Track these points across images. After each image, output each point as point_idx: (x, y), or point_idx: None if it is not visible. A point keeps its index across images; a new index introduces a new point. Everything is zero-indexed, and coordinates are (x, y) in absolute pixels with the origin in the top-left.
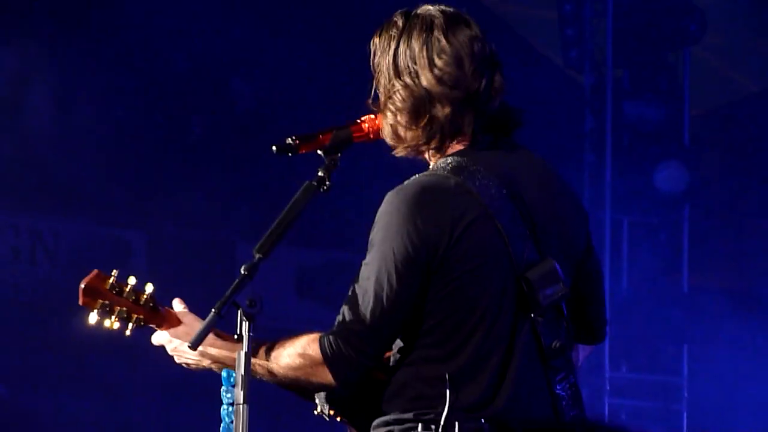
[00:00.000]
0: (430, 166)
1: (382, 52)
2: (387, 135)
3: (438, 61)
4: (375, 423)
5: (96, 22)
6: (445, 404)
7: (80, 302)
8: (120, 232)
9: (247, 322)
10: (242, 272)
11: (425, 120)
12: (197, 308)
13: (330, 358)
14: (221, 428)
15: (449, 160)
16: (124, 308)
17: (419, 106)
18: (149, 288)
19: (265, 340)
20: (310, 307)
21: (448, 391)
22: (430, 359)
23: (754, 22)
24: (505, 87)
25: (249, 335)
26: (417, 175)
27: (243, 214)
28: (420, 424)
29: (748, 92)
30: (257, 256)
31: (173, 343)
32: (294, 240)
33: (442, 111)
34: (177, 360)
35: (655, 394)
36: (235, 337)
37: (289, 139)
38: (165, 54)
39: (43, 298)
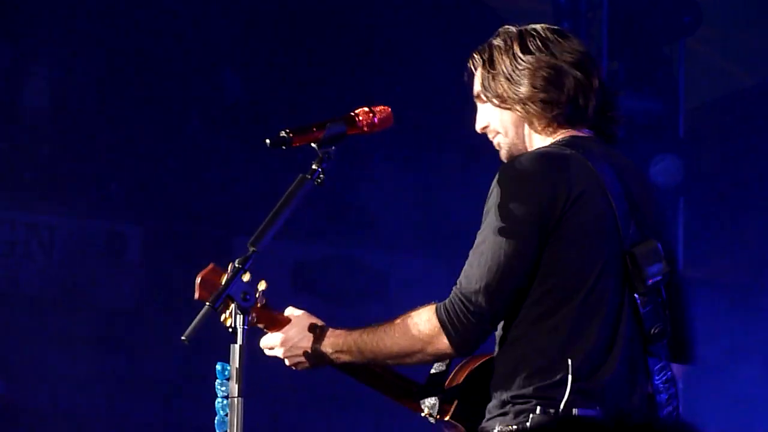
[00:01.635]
0: (542, 145)
1: (495, 55)
2: (513, 123)
3: (574, 41)
4: (491, 405)
5: (91, 15)
6: (562, 380)
7: (196, 296)
8: (115, 225)
9: (241, 316)
10: (236, 265)
11: (569, 82)
12: (192, 302)
13: (447, 323)
14: (216, 421)
15: (562, 139)
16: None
17: (559, 69)
18: (262, 285)
19: (363, 327)
20: (307, 301)
21: (570, 377)
22: (543, 330)
23: (750, 14)
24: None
25: (243, 328)
26: (531, 149)
27: (239, 208)
28: (538, 406)
29: (743, 85)
30: (251, 249)
31: (288, 343)
32: (291, 234)
33: (584, 79)
34: (289, 362)
35: None
36: (230, 331)
37: (283, 132)
38: (161, 47)
39: (38, 291)
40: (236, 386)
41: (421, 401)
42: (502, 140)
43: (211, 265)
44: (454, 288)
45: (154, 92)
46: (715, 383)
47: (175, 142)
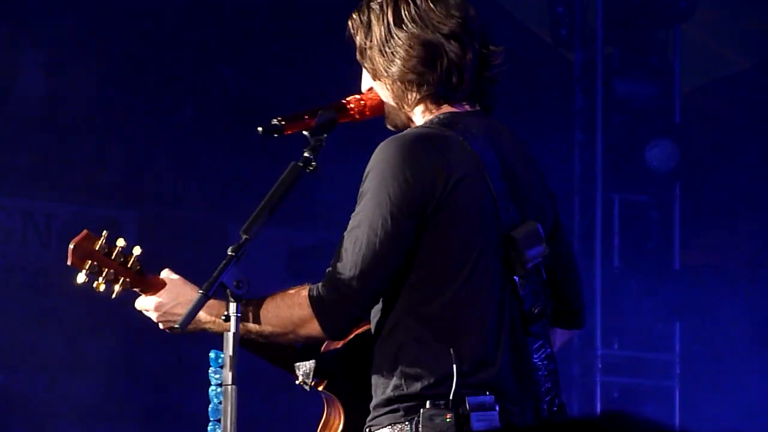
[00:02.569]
0: (422, 122)
1: (373, 21)
2: (388, 98)
3: (451, 4)
4: (375, 402)
5: (83, 4)
6: (448, 374)
7: (69, 262)
8: (111, 212)
9: (234, 303)
10: (229, 253)
11: (442, 65)
12: None
13: (318, 307)
14: (209, 409)
15: (441, 116)
16: (112, 270)
17: (433, 50)
18: (137, 251)
19: (256, 299)
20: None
21: (455, 369)
22: (421, 318)
23: None
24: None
25: (236, 316)
26: (410, 128)
27: (234, 195)
28: (428, 401)
29: (739, 69)
30: (244, 237)
31: (162, 308)
32: (286, 221)
33: (458, 52)
34: (163, 326)
35: (647, 372)
36: (222, 318)
37: (275, 120)
38: (157, 36)
39: (34, 278)
40: (230, 374)
41: (296, 365)
42: (385, 108)
43: (84, 231)
44: (327, 271)
45: (148, 79)
46: (712, 365)
47: (169, 128)
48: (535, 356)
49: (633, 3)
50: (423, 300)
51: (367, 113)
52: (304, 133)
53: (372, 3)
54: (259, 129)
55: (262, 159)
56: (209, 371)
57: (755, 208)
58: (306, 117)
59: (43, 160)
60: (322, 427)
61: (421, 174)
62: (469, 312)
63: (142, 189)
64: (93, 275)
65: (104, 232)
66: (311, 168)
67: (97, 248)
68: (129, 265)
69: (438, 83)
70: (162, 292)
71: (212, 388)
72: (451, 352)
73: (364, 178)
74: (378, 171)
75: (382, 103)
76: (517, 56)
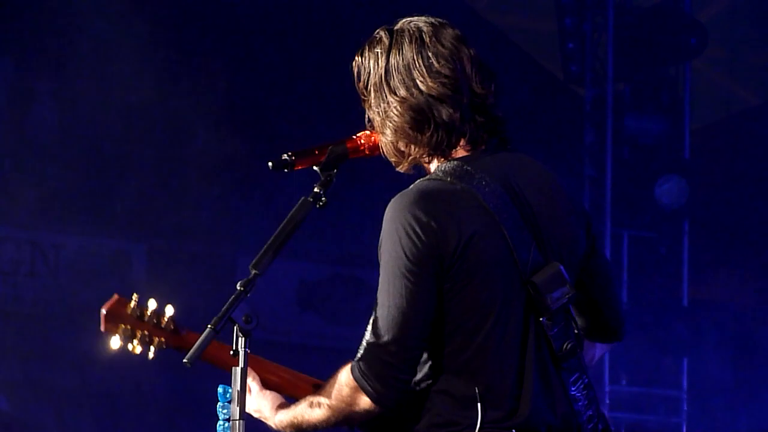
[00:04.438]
0: (432, 170)
1: (370, 71)
2: (388, 153)
3: (436, 65)
4: None
5: (94, 36)
6: (474, 421)
7: (102, 328)
8: (120, 244)
9: (243, 338)
10: (238, 288)
11: (430, 128)
12: (196, 322)
13: (364, 381)
14: None
15: (452, 164)
16: (146, 332)
17: (421, 115)
18: (170, 310)
19: (304, 398)
20: (312, 320)
21: (479, 406)
22: (448, 371)
23: (755, 35)
24: (501, 92)
25: (245, 351)
26: (419, 180)
27: (244, 228)
28: None
29: (749, 106)
30: (253, 272)
31: (260, 413)
32: (296, 254)
33: (446, 115)
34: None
35: (654, 408)
36: (231, 353)
37: (285, 155)
38: (167, 67)
39: (43, 310)
40: (237, 409)
41: None
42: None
43: (115, 296)
44: (364, 342)
45: (159, 112)
46: (719, 402)
47: (179, 160)
48: (572, 389)
49: (644, 40)
50: (449, 353)
51: (378, 149)
52: (314, 168)
53: (370, 51)
54: (270, 164)
55: (273, 192)
56: (217, 406)
57: (764, 245)
58: (316, 152)
59: (54, 193)
60: None
61: (432, 231)
62: (495, 361)
63: (152, 221)
64: (127, 338)
65: (134, 295)
66: (321, 203)
67: (129, 312)
68: (163, 325)
69: (428, 144)
70: (261, 397)
71: (220, 423)
72: (479, 401)
73: (381, 240)
74: (388, 231)
75: None
76: (528, 92)
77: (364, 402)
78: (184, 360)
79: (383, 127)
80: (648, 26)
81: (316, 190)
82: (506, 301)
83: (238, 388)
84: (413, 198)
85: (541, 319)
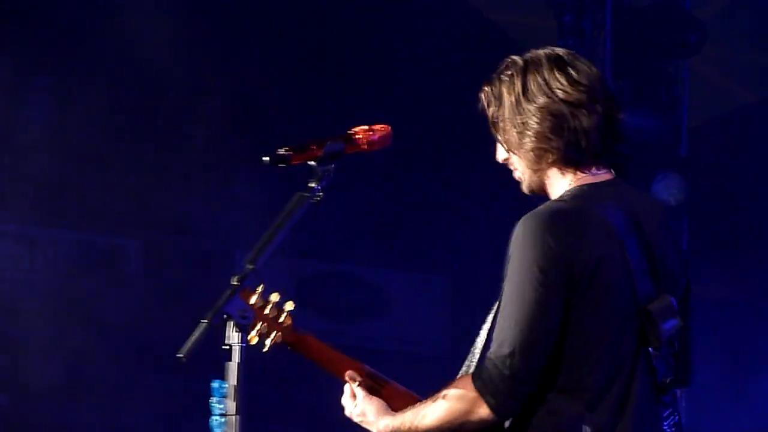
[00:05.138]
0: (557, 194)
1: (502, 93)
2: (523, 169)
3: (575, 75)
4: None
5: (90, 31)
6: None
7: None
8: (116, 240)
9: (238, 333)
10: (233, 283)
11: (568, 134)
12: (193, 317)
13: (486, 390)
14: None
15: (576, 189)
16: (265, 324)
17: (560, 120)
18: (289, 306)
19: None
20: (310, 317)
21: (584, 428)
22: (560, 389)
23: (754, 33)
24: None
25: (241, 346)
26: (549, 201)
27: (241, 223)
28: None
29: (747, 103)
30: (249, 267)
31: (363, 417)
32: (293, 250)
33: (585, 121)
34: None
35: None
36: (223, 347)
37: (282, 150)
38: (163, 63)
39: (41, 306)
40: (233, 404)
41: None
42: (520, 176)
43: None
44: (487, 353)
45: (155, 106)
46: (718, 398)
47: (175, 155)
48: (664, 424)
49: (642, 37)
50: (562, 372)
51: (375, 144)
52: (311, 163)
53: (502, 75)
54: (266, 159)
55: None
56: (212, 401)
57: (763, 242)
58: (313, 147)
59: (50, 188)
60: None
61: (564, 248)
62: (603, 384)
63: (148, 217)
64: (246, 328)
65: (260, 286)
66: (317, 198)
67: (252, 302)
68: (281, 320)
69: (566, 147)
70: (367, 402)
71: (215, 417)
72: (584, 424)
73: (508, 257)
74: (519, 247)
75: (390, 134)
76: None
77: (484, 412)
78: (179, 354)
79: (521, 138)
80: (646, 23)
81: (312, 185)
82: (622, 327)
83: (234, 383)
84: (547, 217)
85: (649, 348)
